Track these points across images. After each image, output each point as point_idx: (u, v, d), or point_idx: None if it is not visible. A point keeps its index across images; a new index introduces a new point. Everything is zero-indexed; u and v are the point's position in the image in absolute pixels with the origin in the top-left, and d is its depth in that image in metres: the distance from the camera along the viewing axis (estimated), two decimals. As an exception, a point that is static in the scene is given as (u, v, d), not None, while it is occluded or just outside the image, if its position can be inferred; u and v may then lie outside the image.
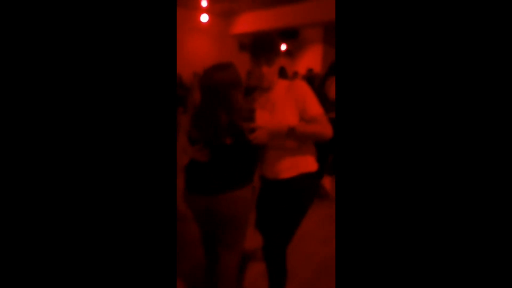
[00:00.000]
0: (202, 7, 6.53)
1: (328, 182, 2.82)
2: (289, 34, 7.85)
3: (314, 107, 1.14)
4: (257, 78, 1.15)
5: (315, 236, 1.99)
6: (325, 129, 1.11)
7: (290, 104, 1.14)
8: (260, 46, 1.10)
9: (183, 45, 6.82)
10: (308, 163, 1.21)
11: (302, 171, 1.18)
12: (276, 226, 1.22)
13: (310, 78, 5.26)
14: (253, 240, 1.73)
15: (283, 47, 11.44)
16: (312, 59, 8.54)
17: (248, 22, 7.69)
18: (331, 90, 2.33)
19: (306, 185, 1.19)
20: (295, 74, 6.16)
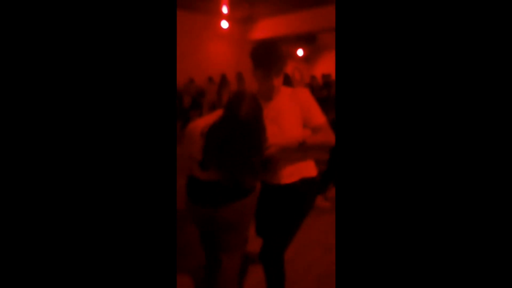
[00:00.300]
0: (223, 13, 6.74)
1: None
2: (306, 39, 7.93)
3: (318, 115, 1.14)
4: (266, 92, 1.11)
5: (318, 245, 1.98)
6: (330, 138, 1.12)
7: (295, 113, 1.13)
8: (267, 56, 1.03)
9: (204, 51, 7.05)
10: (308, 168, 1.22)
11: (303, 176, 1.18)
12: (276, 230, 1.21)
13: (327, 84, 5.31)
14: (255, 243, 1.81)
15: (300, 52, 11.51)
16: (330, 64, 8.58)
17: (267, 28, 7.84)
18: None
19: (306, 190, 1.20)
20: (313, 79, 6.23)
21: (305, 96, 1.15)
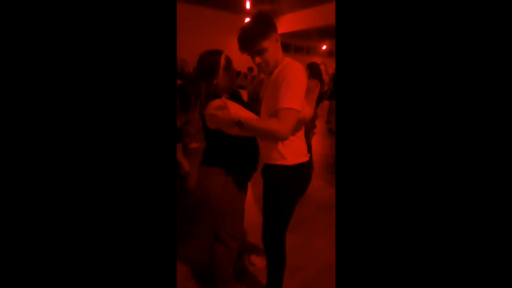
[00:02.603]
0: (246, 9, 6.95)
1: None
2: (329, 34, 7.92)
3: (283, 99, 0.98)
4: (263, 69, 1.15)
5: (325, 238, 2.02)
6: (279, 128, 0.97)
7: (273, 90, 1.05)
8: (242, 44, 1.08)
9: (228, 47, 7.26)
10: (299, 153, 1.19)
11: (300, 160, 1.18)
12: (271, 210, 1.24)
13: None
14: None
15: (324, 47, 11.40)
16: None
17: (290, 22, 7.92)
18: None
19: (301, 171, 1.19)
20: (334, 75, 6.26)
21: (286, 74, 1.01)
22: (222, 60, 1.13)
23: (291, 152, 1.15)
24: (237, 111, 1.06)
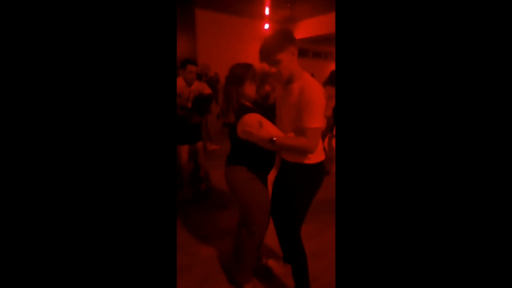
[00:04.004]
0: (265, 15, 7.10)
1: None
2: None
3: (310, 120, 1.13)
4: (279, 79, 1.26)
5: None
6: (309, 145, 1.15)
7: (296, 107, 1.18)
8: (261, 55, 1.21)
9: (246, 52, 7.45)
10: (320, 152, 1.28)
11: (316, 160, 1.27)
12: (290, 209, 1.32)
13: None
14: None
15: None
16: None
17: (308, 28, 8.00)
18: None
19: (318, 171, 1.29)
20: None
21: (308, 94, 1.14)
22: (249, 72, 1.30)
23: (321, 147, 1.26)
24: (269, 129, 1.21)
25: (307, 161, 1.25)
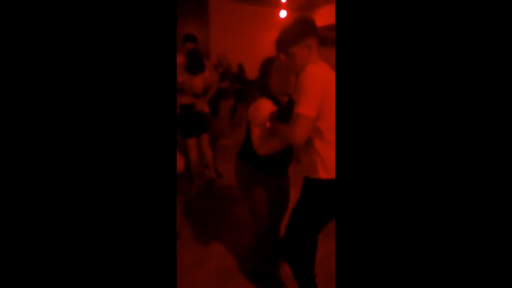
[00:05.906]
0: (282, 2, 6.88)
1: None
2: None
3: (296, 104, 1.02)
4: (293, 69, 1.22)
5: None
6: (289, 131, 1.02)
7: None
8: (276, 46, 1.20)
9: (262, 41, 7.30)
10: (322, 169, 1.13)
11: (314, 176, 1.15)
12: (306, 229, 1.26)
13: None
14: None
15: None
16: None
17: (326, 16, 7.71)
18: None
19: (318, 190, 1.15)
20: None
21: (302, 79, 1.01)
22: (274, 65, 1.34)
23: (332, 164, 1.11)
24: (270, 110, 1.24)
25: (313, 176, 1.15)
